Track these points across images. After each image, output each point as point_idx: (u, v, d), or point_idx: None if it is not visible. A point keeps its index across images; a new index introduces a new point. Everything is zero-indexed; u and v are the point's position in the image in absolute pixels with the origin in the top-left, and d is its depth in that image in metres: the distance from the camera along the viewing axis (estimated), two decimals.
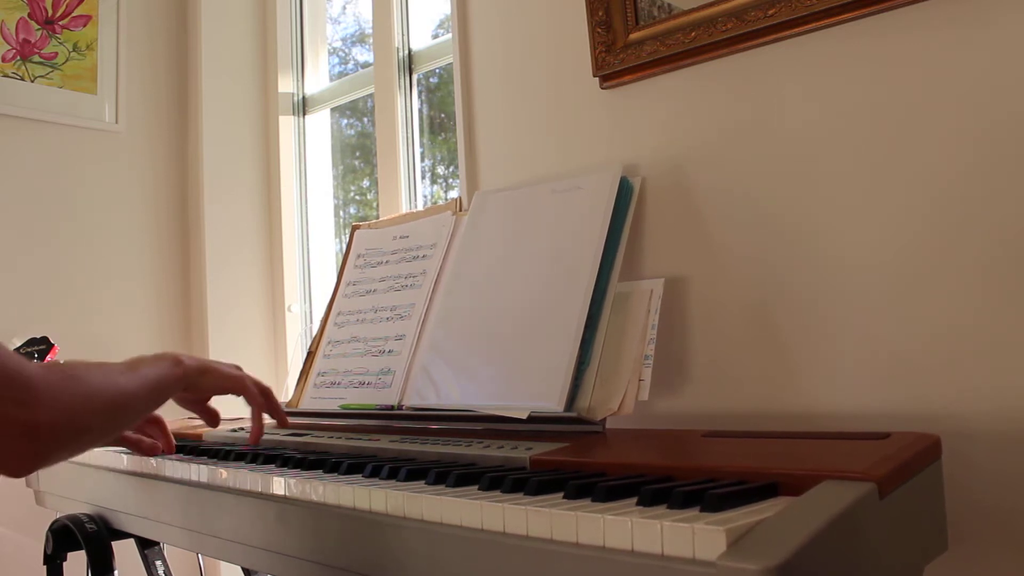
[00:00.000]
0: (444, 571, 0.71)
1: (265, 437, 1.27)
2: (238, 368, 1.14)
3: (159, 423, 1.20)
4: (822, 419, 1.08)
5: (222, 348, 2.14)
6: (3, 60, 1.95)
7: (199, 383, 1.06)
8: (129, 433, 1.15)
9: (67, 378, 0.82)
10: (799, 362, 1.11)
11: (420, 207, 1.91)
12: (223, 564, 2.00)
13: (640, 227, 1.26)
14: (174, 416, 1.71)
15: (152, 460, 1.17)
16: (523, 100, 1.46)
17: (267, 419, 1.19)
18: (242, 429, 1.37)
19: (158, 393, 0.98)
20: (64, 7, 2.04)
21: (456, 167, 1.66)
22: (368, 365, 1.38)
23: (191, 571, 1.88)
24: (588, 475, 0.80)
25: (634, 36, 1.28)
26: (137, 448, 1.16)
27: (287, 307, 2.21)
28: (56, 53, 2.03)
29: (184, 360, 1.03)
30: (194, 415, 1.19)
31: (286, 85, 2.28)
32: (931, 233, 1.01)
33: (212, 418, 1.18)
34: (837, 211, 1.08)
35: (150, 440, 1.17)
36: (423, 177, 1.96)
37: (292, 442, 1.22)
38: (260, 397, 1.15)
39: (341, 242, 2.26)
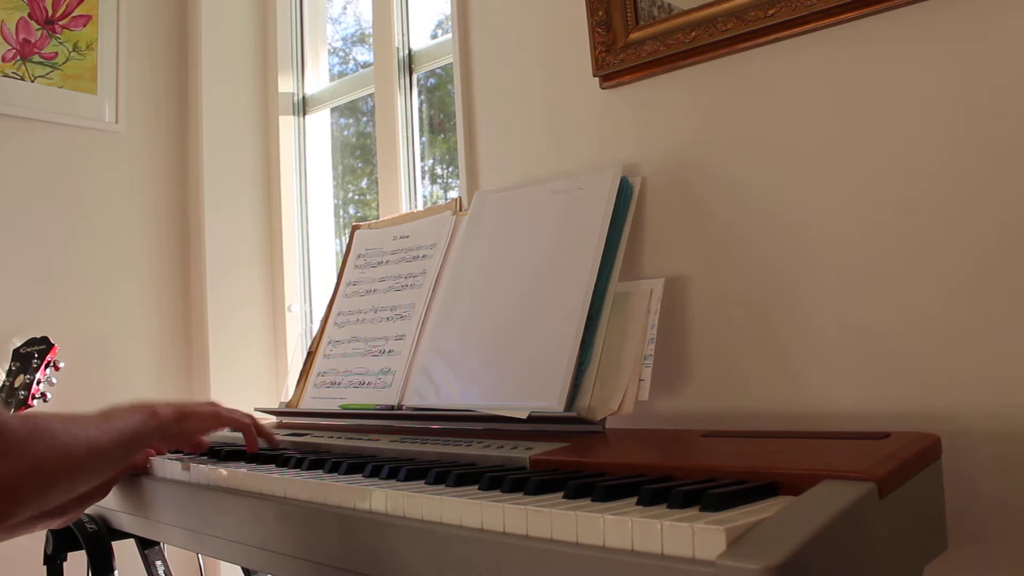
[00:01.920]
0: (444, 571, 0.71)
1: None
2: (213, 404, 1.13)
3: None
4: (822, 419, 1.08)
5: (222, 348, 2.14)
6: (3, 60, 1.95)
7: (180, 430, 1.05)
8: None
9: (40, 433, 0.79)
10: (799, 362, 1.11)
11: (420, 207, 1.91)
12: (223, 564, 2.00)
13: (640, 227, 1.26)
14: None
15: (152, 460, 1.17)
16: (523, 100, 1.46)
17: (261, 420, 1.18)
18: None
19: (132, 446, 0.96)
20: (64, 7, 2.04)
21: (456, 167, 1.66)
22: (368, 365, 1.38)
23: (191, 571, 1.88)
24: (588, 475, 0.80)
25: (634, 36, 1.28)
26: (131, 467, 1.16)
27: (287, 307, 2.21)
28: (56, 53, 2.03)
29: (159, 411, 1.01)
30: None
31: (286, 85, 2.28)
32: (932, 233, 1.01)
33: (197, 448, 1.17)
34: (837, 210, 1.08)
35: (139, 455, 1.17)
36: (423, 177, 1.97)
37: (292, 442, 1.22)
38: (245, 419, 1.14)
39: (341, 242, 2.26)
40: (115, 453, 0.92)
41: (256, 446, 1.15)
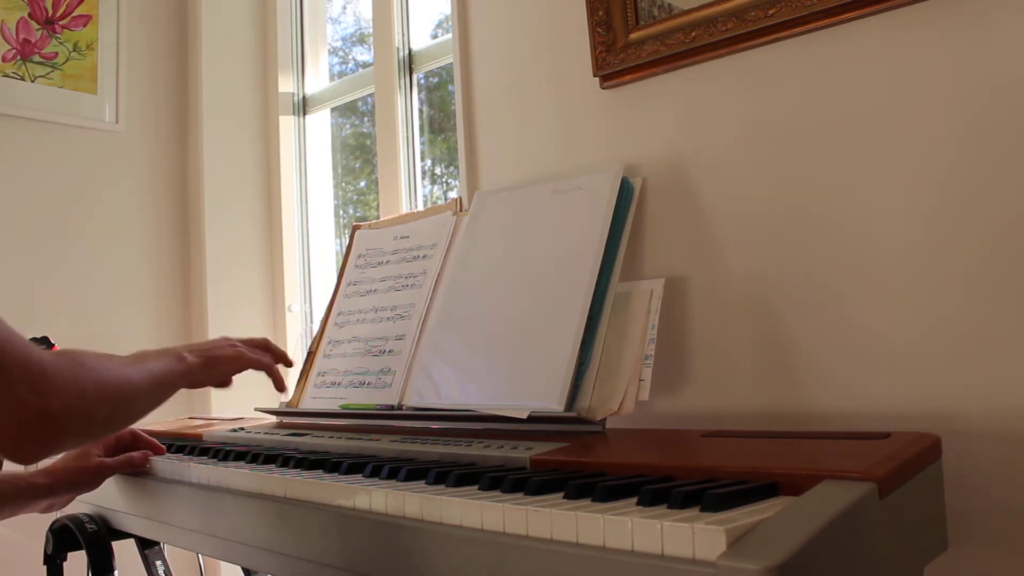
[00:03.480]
0: (444, 571, 0.71)
1: (265, 436, 1.27)
2: (228, 340, 1.14)
3: (134, 434, 1.21)
4: (822, 419, 1.08)
5: None
6: (3, 60, 1.95)
7: (205, 376, 1.06)
8: (108, 460, 1.16)
9: (76, 365, 0.82)
10: (799, 362, 1.11)
11: (420, 207, 1.91)
12: (223, 564, 2.00)
13: (640, 227, 1.26)
14: (175, 415, 1.71)
15: (152, 460, 1.17)
16: (523, 100, 1.46)
17: (261, 420, 1.18)
18: (242, 429, 1.37)
19: (163, 388, 0.98)
20: (64, 7, 2.04)
21: (456, 167, 1.66)
22: (368, 365, 1.38)
23: (191, 571, 1.88)
24: (588, 475, 0.80)
25: (634, 36, 1.28)
26: (130, 465, 1.17)
27: (287, 307, 2.21)
28: (56, 53, 2.03)
29: (187, 357, 1.03)
30: (194, 415, 1.19)
31: (286, 85, 2.28)
32: (932, 232, 1.01)
33: (224, 386, 1.17)
34: (837, 211, 1.08)
35: (139, 453, 1.18)
36: (423, 177, 1.97)
37: (292, 442, 1.22)
38: (266, 358, 1.15)
39: (341, 242, 2.26)
40: (147, 393, 0.94)
41: (284, 385, 1.18)
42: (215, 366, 1.07)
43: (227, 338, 1.15)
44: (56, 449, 0.82)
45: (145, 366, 0.95)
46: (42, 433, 0.77)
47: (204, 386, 1.12)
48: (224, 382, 1.16)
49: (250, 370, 1.15)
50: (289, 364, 1.20)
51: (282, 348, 1.22)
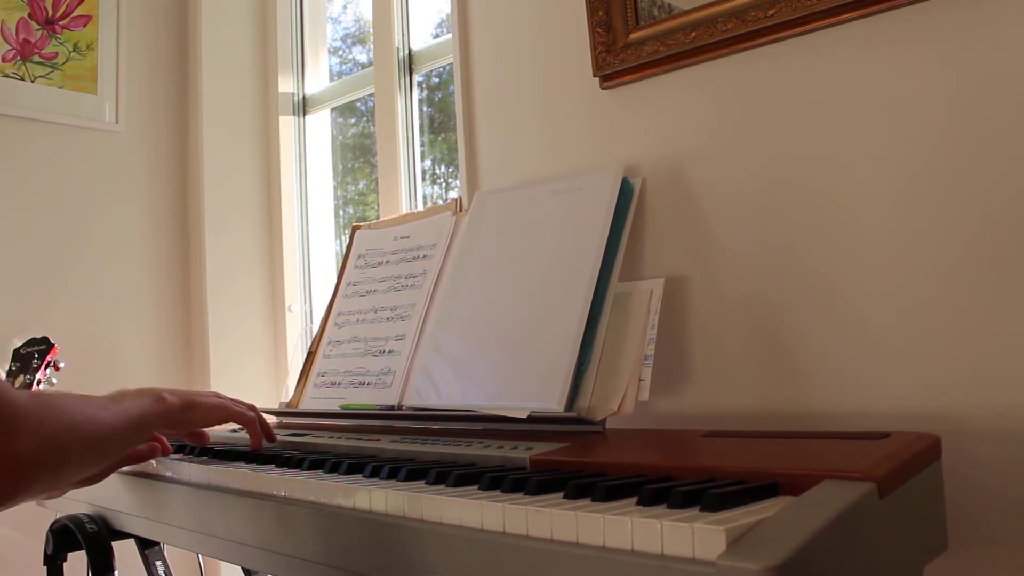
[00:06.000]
0: (444, 571, 0.71)
1: None
2: (218, 396, 1.14)
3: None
4: (822, 419, 1.08)
5: (223, 349, 2.14)
6: (3, 60, 1.95)
7: (184, 418, 1.06)
8: None
9: (49, 407, 0.80)
10: (799, 362, 1.11)
11: (420, 207, 1.91)
12: (223, 564, 2.00)
13: (640, 227, 1.26)
14: None
15: (152, 460, 1.17)
16: (523, 100, 1.46)
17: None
18: (242, 429, 1.37)
19: (139, 429, 0.97)
20: (64, 7, 2.04)
21: (456, 167, 1.66)
22: (368, 365, 1.38)
23: (191, 571, 1.88)
24: (588, 475, 0.80)
25: (634, 36, 1.28)
26: (136, 458, 1.17)
27: (287, 307, 2.21)
28: (56, 53, 2.03)
29: (167, 398, 1.02)
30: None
31: (286, 85, 2.28)
32: (932, 233, 1.01)
33: (199, 439, 1.18)
34: (837, 210, 1.08)
35: (146, 445, 1.17)
36: (423, 177, 1.97)
37: (292, 442, 1.22)
38: (250, 412, 1.15)
39: (341, 242, 2.26)
40: (122, 434, 0.93)
41: (260, 443, 1.16)
42: (195, 410, 1.07)
43: (217, 393, 1.15)
44: (23, 494, 0.77)
45: (121, 407, 0.93)
46: (9, 475, 0.74)
47: (182, 429, 1.12)
48: (201, 435, 1.16)
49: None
50: (273, 440, 1.19)
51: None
